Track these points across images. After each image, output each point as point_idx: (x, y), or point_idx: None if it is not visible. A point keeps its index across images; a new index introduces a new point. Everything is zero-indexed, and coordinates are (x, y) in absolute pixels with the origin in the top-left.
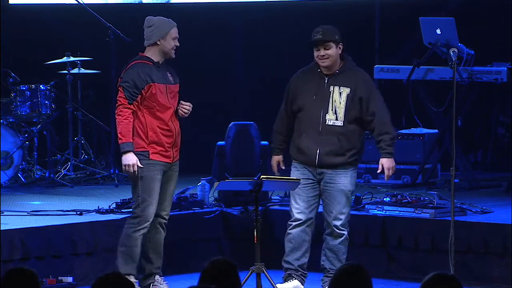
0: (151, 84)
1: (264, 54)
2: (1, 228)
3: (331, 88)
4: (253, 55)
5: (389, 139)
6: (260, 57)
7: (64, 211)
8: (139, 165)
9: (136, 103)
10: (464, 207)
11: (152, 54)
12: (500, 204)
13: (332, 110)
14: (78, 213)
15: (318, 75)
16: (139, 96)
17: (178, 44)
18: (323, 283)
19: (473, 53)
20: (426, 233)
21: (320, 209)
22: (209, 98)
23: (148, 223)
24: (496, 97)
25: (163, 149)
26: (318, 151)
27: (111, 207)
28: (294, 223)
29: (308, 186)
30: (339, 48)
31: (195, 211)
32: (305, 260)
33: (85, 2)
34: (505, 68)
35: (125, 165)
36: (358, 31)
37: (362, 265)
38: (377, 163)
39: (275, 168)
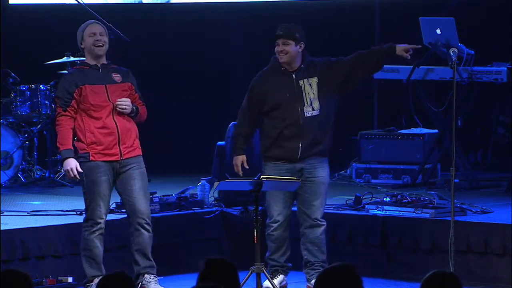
0: (81, 86)
1: (264, 54)
2: (1, 228)
3: (301, 82)
4: (253, 55)
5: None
6: (260, 57)
7: (64, 211)
8: (79, 169)
9: (74, 108)
10: (464, 207)
11: (86, 58)
12: (500, 204)
13: (307, 102)
14: (78, 213)
15: (284, 73)
16: (73, 100)
17: (99, 38)
18: (310, 276)
19: (473, 53)
20: (426, 233)
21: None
22: (209, 98)
23: (100, 225)
24: (496, 97)
25: (104, 148)
26: (300, 144)
27: (110, 207)
28: (275, 225)
29: None
30: (300, 46)
31: (195, 211)
32: (288, 253)
33: (85, 2)
34: (505, 68)
35: (65, 171)
36: (358, 31)
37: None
38: (377, 163)
39: (239, 168)
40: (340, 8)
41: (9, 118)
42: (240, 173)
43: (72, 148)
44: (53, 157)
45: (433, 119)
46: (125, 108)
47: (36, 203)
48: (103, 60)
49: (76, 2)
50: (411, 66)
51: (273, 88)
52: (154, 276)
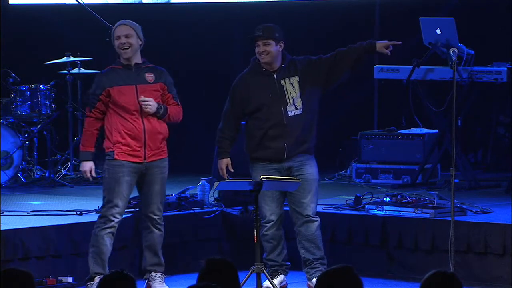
0: (108, 88)
1: None
2: (1, 228)
3: (282, 81)
4: (253, 55)
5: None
6: None
7: (64, 211)
8: (93, 174)
9: (99, 110)
10: (464, 207)
11: (120, 58)
12: (500, 204)
13: (290, 102)
14: (78, 213)
15: (265, 73)
16: (99, 102)
17: (123, 41)
18: (310, 275)
19: (473, 53)
20: (426, 233)
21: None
22: (209, 98)
23: (113, 223)
24: (496, 97)
25: (129, 149)
26: (285, 144)
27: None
28: (268, 225)
29: None
30: (280, 46)
31: (195, 211)
32: (285, 251)
33: (85, 2)
34: (505, 68)
35: (81, 172)
36: (358, 31)
37: (350, 266)
38: (378, 163)
39: (224, 172)
40: (340, 8)
41: (9, 118)
42: (225, 176)
43: (92, 150)
44: (53, 157)
45: (433, 119)
46: (149, 106)
47: (36, 203)
48: (136, 60)
49: (76, 2)
50: (411, 66)
51: (255, 90)
52: (160, 274)
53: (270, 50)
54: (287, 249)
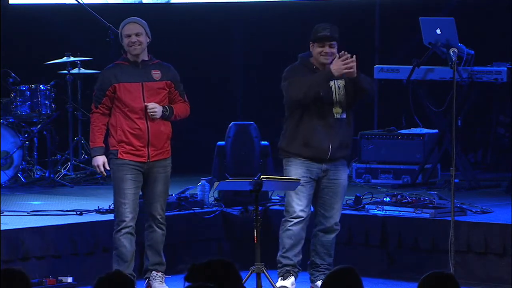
0: (115, 84)
1: (264, 54)
2: (1, 228)
3: (331, 83)
4: (253, 55)
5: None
6: (260, 57)
7: (64, 211)
8: (106, 166)
9: (105, 106)
10: (464, 207)
11: (127, 54)
12: (500, 204)
13: (337, 104)
14: (78, 213)
15: (316, 72)
16: (105, 98)
17: (134, 40)
18: (314, 277)
19: (473, 53)
20: (426, 233)
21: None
22: (209, 98)
23: (126, 223)
24: (496, 97)
25: (133, 148)
26: (330, 145)
27: (111, 207)
28: (295, 220)
29: (309, 184)
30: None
31: (195, 211)
32: (301, 256)
33: (85, 2)
34: (505, 68)
35: (94, 167)
36: (358, 31)
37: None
38: (378, 163)
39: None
40: (340, 8)
41: (9, 118)
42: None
43: (102, 145)
44: (53, 157)
45: (433, 119)
46: (155, 113)
47: (36, 203)
48: (144, 56)
49: (76, 2)
50: (411, 66)
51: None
52: (161, 274)
53: (335, 52)
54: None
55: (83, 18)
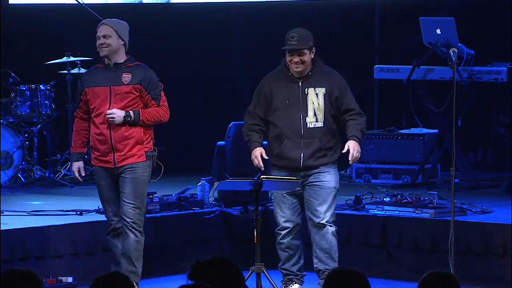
0: (85, 89)
1: (264, 54)
2: (1, 228)
3: (306, 90)
4: (253, 55)
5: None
6: (260, 57)
7: (64, 211)
8: (81, 173)
9: (83, 110)
10: (464, 207)
11: None
12: (500, 204)
13: (312, 112)
14: (78, 213)
15: (290, 78)
16: (81, 102)
17: (101, 41)
18: (321, 286)
19: (473, 53)
20: (426, 233)
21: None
22: (209, 98)
23: (113, 226)
24: (496, 97)
25: (99, 154)
26: (302, 155)
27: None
28: (283, 232)
29: (290, 193)
30: (312, 52)
31: (195, 211)
32: (301, 262)
33: (85, 2)
34: (505, 68)
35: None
36: (358, 31)
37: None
38: (378, 163)
39: (258, 160)
40: (340, 8)
41: (9, 118)
42: (260, 165)
43: (79, 151)
44: (53, 157)
45: (433, 119)
46: (113, 119)
47: (36, 203)
48: (117, 59)
49: (76, 2)
50: (411, 66)
51: (277, 93)
52: (134, 284)
53: (305, 60)
54: (304, 258)
55: (83, 18)
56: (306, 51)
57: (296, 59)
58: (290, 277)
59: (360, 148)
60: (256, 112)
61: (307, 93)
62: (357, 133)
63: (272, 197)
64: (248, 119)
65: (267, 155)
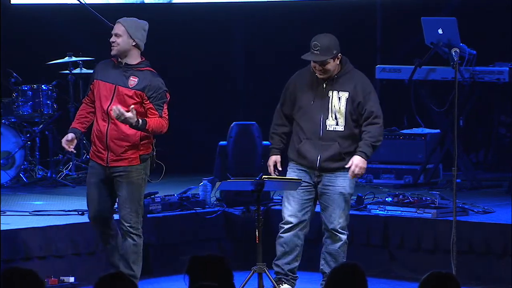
0: (95, 80)
1: (265, 54)
2: (3, 228)
3: (330, 93)
4: (254, 55)
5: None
6: (261, 57)
7: (65, 211)
8: (71, 143)
9: (90, 99)
10: (466, 207)
11: None
12: (502, 204)
13: (332, 116)
14: (79, 213)
15: (316, 78)
16: (90, 91)
17: (113, 39)
18: (323, 287)
19: (475, 53)
20: (428, 233)
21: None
22: (210, 98)
23: (95, 225)
24: (497, 97)
25: (96, 150)
26: (319, 156)
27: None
28: (285, 227)
29: (303, 189)
30: (338, 58)
31: (197, 211)
32: (296, 264)
33: (87, 2)
34: (507, 68)
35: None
36: (360, 31)
37: (358, 265)
38: (379, 163)
39: (271, 168)
40: (341, 8)
41: (11, 118)
42: (272, 173)
43: (76, 127)
44: (54, 157)
45: (435, 119)
46: (116, 116)
47: (38, 203)
48: (128, 60)
49: (78, 2)
50: (413, 66)
51: (302, 92)
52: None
53: (329, 69)
54: (304, 260)
55: (85, 18)
56: (330, 60)
57: (319, 67)
58: (280, 276)
59: (366, 164)
60: (283, 110)
61: (330, 95)
62: (365, 149)
63: (274, 197)
64: (275, 118)
65: (288, 149)
